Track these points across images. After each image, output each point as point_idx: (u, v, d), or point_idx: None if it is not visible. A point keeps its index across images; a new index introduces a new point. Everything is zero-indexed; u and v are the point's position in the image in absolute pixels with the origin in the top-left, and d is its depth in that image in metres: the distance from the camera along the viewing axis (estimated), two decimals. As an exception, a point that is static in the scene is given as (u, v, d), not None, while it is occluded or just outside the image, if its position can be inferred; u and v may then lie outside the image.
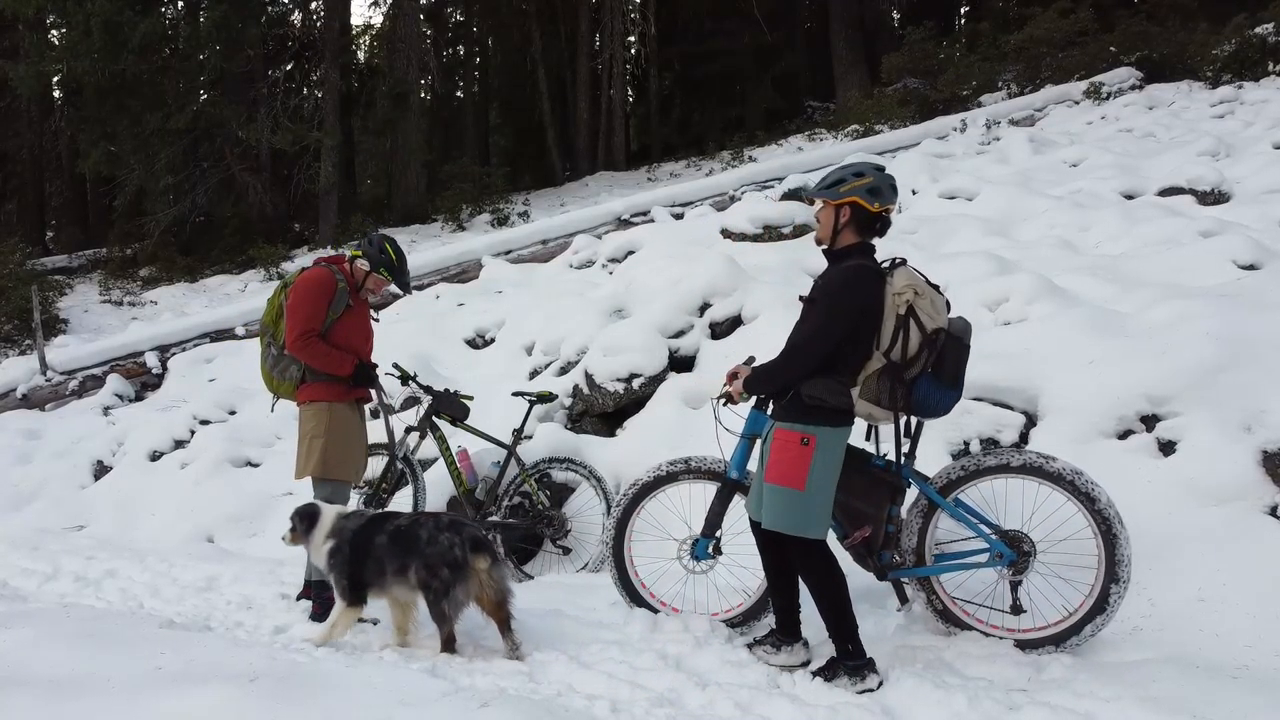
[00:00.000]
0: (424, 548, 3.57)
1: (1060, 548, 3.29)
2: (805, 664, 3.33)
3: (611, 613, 3.91)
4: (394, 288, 4.71)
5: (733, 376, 3.51)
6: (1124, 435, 4.10)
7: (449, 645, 3.59)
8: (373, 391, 4.60)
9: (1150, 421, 4.07)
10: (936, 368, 3.19)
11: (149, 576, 5.10)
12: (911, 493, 3.54)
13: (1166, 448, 3.95)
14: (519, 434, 5.22)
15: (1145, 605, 3.41)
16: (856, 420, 3.30)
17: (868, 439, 3.48)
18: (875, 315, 3.15)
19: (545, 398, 5.36)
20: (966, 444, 4.37)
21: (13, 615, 3.93)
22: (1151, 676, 2.95)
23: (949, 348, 3.18)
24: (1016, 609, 3.30)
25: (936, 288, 3.29)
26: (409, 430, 5.31)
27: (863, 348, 3.18)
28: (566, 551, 5.08)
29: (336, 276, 4.41)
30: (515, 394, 5.43)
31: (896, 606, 3.67)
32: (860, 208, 3.21)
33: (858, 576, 3.77)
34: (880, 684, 3.11)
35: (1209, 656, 3.12)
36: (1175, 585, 3.42)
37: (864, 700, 2.99)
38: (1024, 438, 4.33)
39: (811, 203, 3.60)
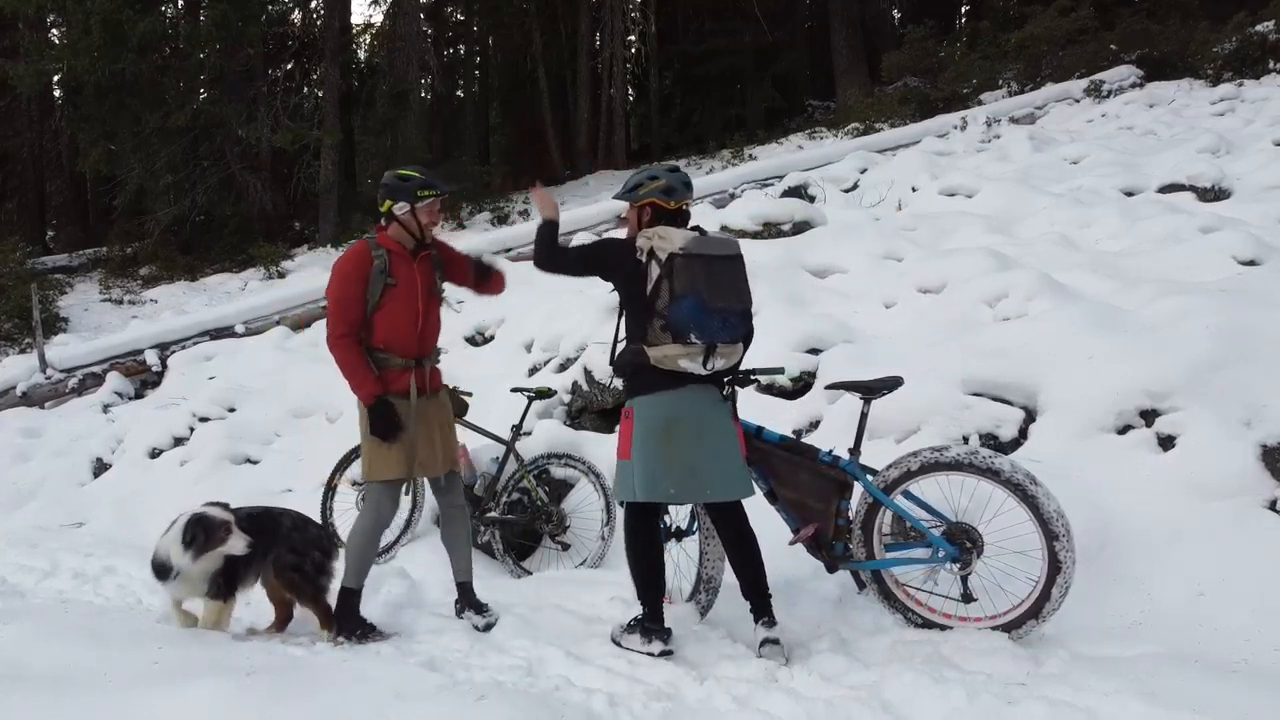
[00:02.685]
0: (289, 534, 3.78)
1: (999, 523, 3.29)
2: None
3: (610, 608, 3.91)
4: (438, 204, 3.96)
5: None
6: (1123, 430, 4.09)
7: (329, 620, 3.73)
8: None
9: (1150, 416, 4.06)
10: (679, 287, 3.27)
11: (147, 573, 5.08)
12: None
13: (1166, 443, 3.94)
14: (518, 430, 5.21)
15: (1145, 600, 3.40)
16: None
17: (706, 366, 3.40)
18: (630, 275, 3.38)
19: (544, 394, 5.35)
20: (965, 439, 4.37)
21: (11, 611, 3.94)
22: (1151, 671, 2.94)
23: (681, 265, 3.27)
24: (967, 598, 3.33)
25: (699, 229, 3.43)
26: None
27: (642, 311, 3.36)
28: (565, 547, 5.07)
29: (373, 250, 3.78)
30: (514, 390, 5.43)
31: (856, 590, 3.76)
32: (657, 207, 3.50)
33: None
34: (664, 653, 3.31)
35: (1208, 651, 3.10)
36: (1174, 580, 3.41)
37: (862, 695, 2.98)
38: (1023, 433, 4.33)
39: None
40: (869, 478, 3.51)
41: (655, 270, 3.30)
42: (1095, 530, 3.63)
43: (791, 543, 3.61)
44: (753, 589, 3.44)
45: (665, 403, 3.36)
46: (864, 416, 3.62)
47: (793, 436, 3.75)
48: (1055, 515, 3.15)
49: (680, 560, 3.90)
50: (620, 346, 3.55)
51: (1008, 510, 3.27)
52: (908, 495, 3.46)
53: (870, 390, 3.61)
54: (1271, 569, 3.29)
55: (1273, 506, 3.56)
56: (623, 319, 3.56)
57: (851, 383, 3.70)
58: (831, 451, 3.60)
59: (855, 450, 3.58)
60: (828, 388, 3.83)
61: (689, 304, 3.24)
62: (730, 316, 3.34)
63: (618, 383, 5.90)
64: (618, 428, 3.55)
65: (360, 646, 3.60)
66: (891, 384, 3.62)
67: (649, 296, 3.31)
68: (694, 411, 3.39)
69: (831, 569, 3.62)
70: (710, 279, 3.30)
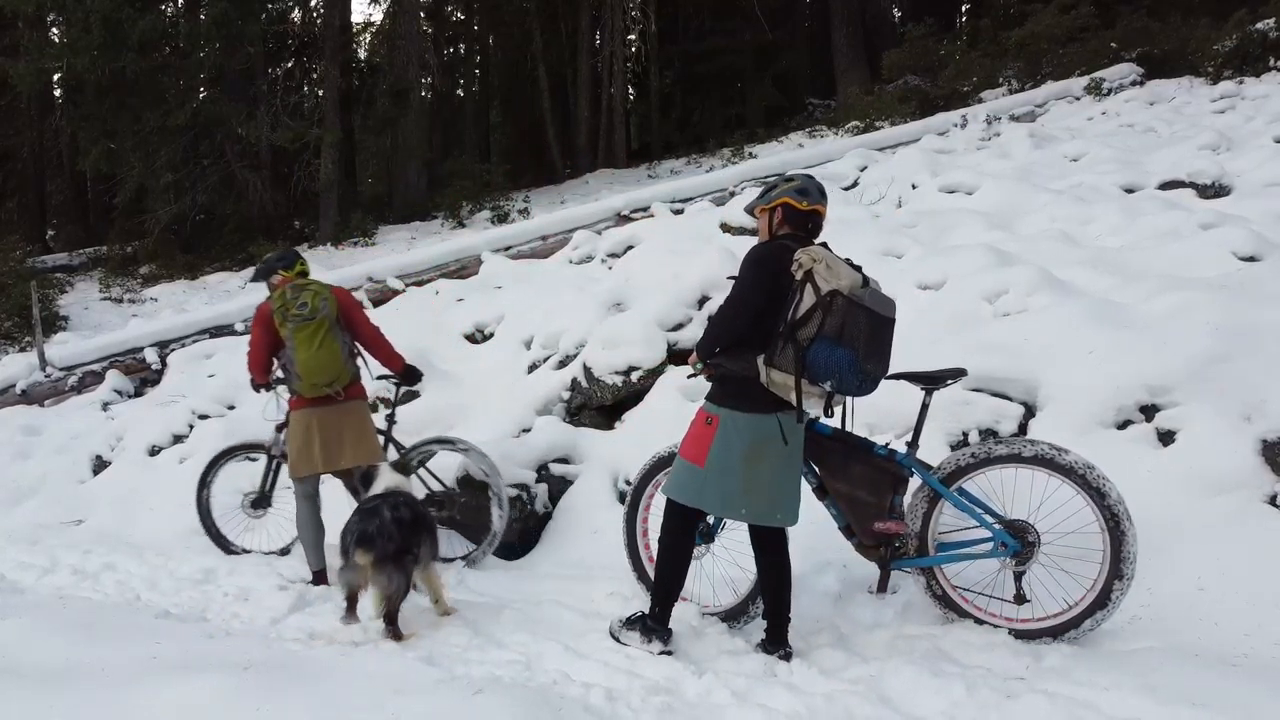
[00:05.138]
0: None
1: (1065, 540, 3.27)
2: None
3: (609, 603, 3.90)
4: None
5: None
6: (1123, 425, 4.08)
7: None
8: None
9: (1150, 411, 4.06)
10: (830, 327, 3.15)
11: (146, 570, 5.11)
12: (915, 481, 3.53)
13: (1166, 437, 3.94)
14: (391, 419, 5.15)
15: (1144, 594, 3.39)
16: (807, 410, 3.31)
17: (828, 413, 3.40)
18: (783, 285, 3.23)
19: (409, 378, 5.21)
20: (965, 434, 4.36)
21: (10, 607, 3.93)
22: (1150, 665, 2.94)
23: (842, 308, 3.13)
24: (1020, 598, 3.29)
25: (858, 268, 3.31)
26: (279, 428, 5.26)
27: (775, 320, 3.22)
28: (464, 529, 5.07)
29: None
30: (379, 377, 5.27)
31: (870, 588, 3.69)
32: (790, 207, 3.42)
33: (861, 567, 3.78)
34: (661, 652, 3.34)
35: (1208, 645, 3.10)
36: (1174, 574, 3.40)
37: (861, 689, 2.98)
38: (1023, 429, 4.32)
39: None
40: (928, 471, 3.46)
41: (809, 296, 3.15)
42: (1095, 525, 3.62)
43: (855, 536, 3.55)
44: (775, 612, 3.39)
45: (758, 425, 3.25)
46: (925, 408, 3.53)
47: (847, 430, 3.63)
48: (1131, 557, 3.13)
49: (705, 563, 3.85)
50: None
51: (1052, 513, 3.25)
52: (962, 491, 3.42)
53: (933, 381, 3.52)
54: (1272, 564, 3.29)
55: (1273, 501, 3.55)
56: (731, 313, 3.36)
57: (914, 373, 3.57)
58: (888, 445, 3.55)
59: (914, 444, 3.52)
60: (888, 378, 3.61)
61: (842, 355, 3.10)
62: (870, 381, 3.24)
63: (617, 379, 5.90)
64: (690, 426, 3.45)
65: (357, 640, 3.61)
66: (955, 374, 3.53)
67: (793, 320, 3.15)
68: (781, 437, 3.29)
69: (883, 566, 3.56)
70: (871, 337, 3.17)
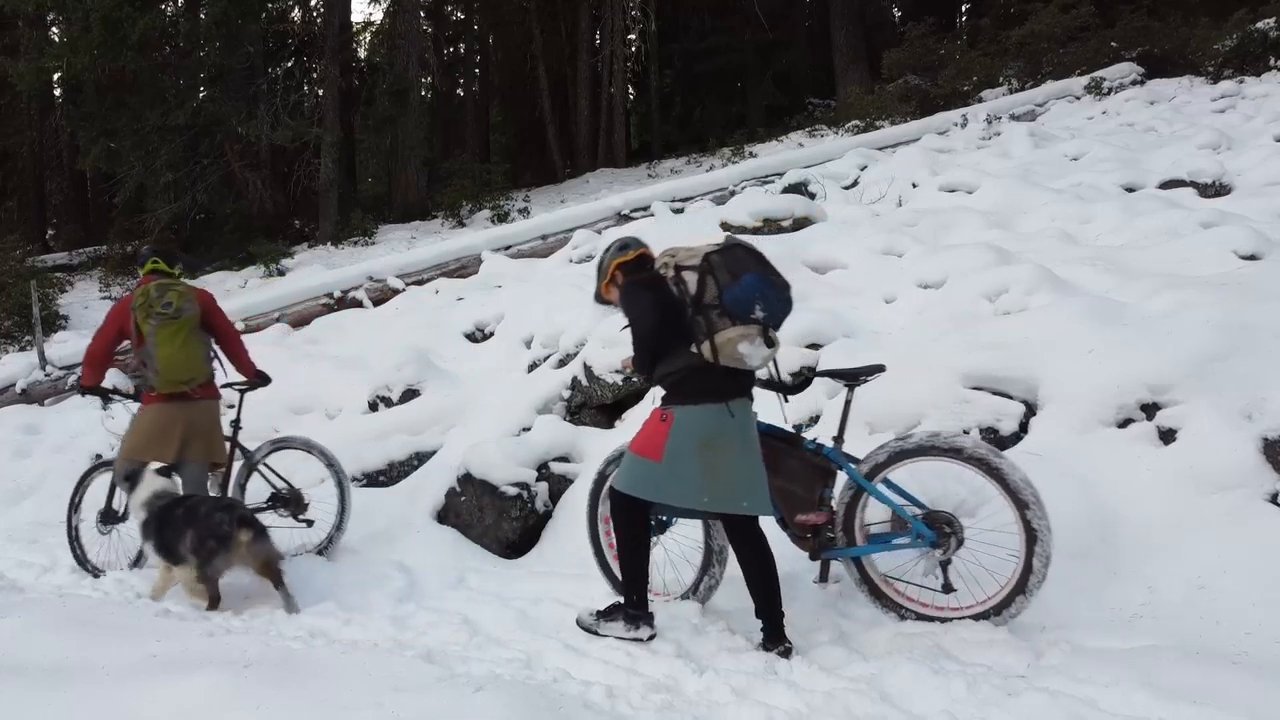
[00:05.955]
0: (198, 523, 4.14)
1: (974, 507, 3.41)
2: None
3: (608, 601, 3.88)
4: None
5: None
6: (1124, 424, 4.08)
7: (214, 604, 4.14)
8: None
9: (1150, 410, 4.05)
10: (723, 278, 3.31)
11: (145, 567, 5.10)
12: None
13: (1167, 436, 3.93)
14: (236, 425, 5.16)
15: (1145, 593, 3.39)
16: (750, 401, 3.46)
17: (769, 344, 3.43)
18: (666, 293, 3.39)
19: (255, 385, 5.28)
20: (966, 433, 4.35)
21: (9, 605, 3.93)
22: (1151, 663, 2.93)
23: (720, 259, 3.33)
24: (947, 588, 3.35)
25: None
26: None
27: (682, 320, 3.36)
28: (310, 524, 5.07)
29: None
30: (224, 385, 5.26)
31: (814, 578, 3.79)
32: (622, 263, 3.65)
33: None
34: (651, 637, 3.42)
35: (1209, 643, 3.10)
36: (1175, 572, 3.40)
37: (861, 686, 2.98)
38: (1024, 427, 4.32)
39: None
40: (852, 465, 3.54)
41: (691, 276, 3.34)
42: (1095, 523, 3.63)
43: (788, 526, 3.62)
44: (766, 609, 3.38)
45: (711, 415, 3.34)
46: (848, 404, 3.68)
47: (779, 425, 3.74)
48: (1022, 484, 3.20)
49: (659, 554, 3.85)
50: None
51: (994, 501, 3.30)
52: (887, 483, 3.51)
53: (853, 377, 3.67)
54: (1272, 561, 3.28)
55: (1273, 499, 3.54)
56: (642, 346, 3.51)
57: (835, 370, 3.76)
58: (815, 440, 3.64)
59: (839, 438, 3.62)
60: (817, 375, 3.91)
61: (752, 279, 3.26)
62: (786, 294, 3.38)
63: (617, 378, 5.90)
64: (644, 424, 3.51)
65: (357, 639, 3.60)
66: (873, 370, 3.69)
67: (695, 298, 3.31)
68: (736, 426, 3.39)
69: (814, 556, 3.66)
70: (757, 260, 3.37)
